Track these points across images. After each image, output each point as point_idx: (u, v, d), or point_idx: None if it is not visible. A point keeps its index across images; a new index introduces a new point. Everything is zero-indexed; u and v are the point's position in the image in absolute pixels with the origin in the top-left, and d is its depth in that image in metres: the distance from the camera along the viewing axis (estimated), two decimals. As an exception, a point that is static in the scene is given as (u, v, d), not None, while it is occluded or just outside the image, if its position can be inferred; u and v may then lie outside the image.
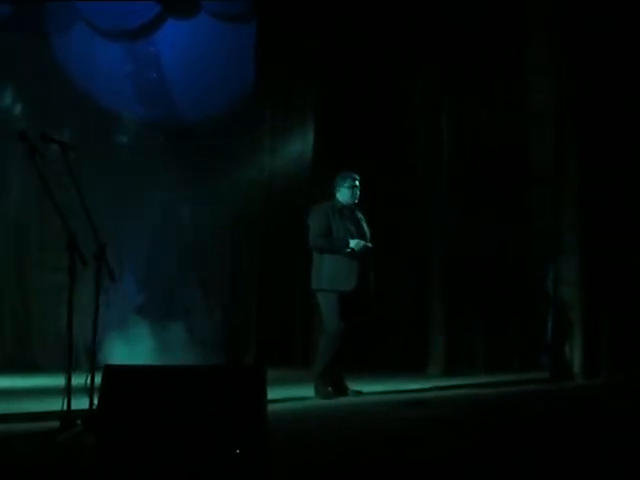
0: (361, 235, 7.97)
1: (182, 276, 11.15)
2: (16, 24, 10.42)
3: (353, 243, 7.80)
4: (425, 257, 10.57)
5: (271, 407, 4.89)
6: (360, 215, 8.11)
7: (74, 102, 10.70)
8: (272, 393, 5.04)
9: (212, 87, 11.20)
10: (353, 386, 8.02)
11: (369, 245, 7.93)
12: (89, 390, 5.56)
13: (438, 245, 10.40)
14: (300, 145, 11.06)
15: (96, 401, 5.23)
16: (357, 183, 8.02)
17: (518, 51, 10.50)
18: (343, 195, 8.02)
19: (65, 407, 5.54)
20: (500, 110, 10.59)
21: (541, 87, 10.19)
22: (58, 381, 5.69)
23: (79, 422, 5.55)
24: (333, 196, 8.06)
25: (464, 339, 10.26)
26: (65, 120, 10.45)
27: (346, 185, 8.00)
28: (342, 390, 7.89)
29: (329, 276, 7.81)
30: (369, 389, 8.22)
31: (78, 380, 5.58)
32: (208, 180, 11.28)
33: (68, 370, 5.56)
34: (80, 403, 5.60)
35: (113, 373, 4.82)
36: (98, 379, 5.01)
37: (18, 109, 10.60)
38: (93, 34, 10.93)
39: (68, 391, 5.55)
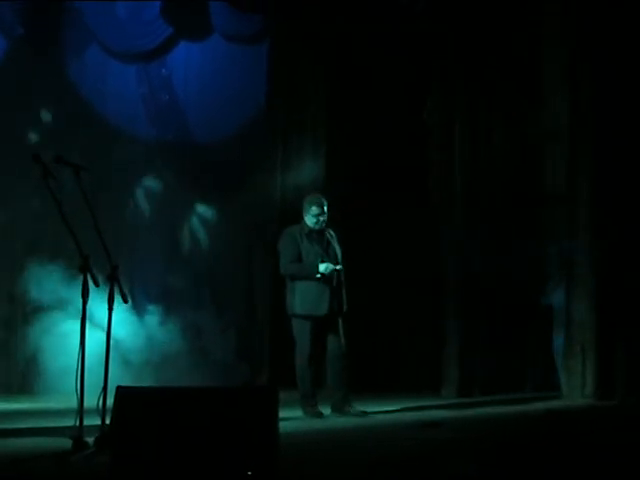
0: (331, 257, 8.00)
1: (195, 296, 11.14)
2: (30, 46, 10.47)
3: (322, 267, 7.86)
4: (439, 277, 10.54)
5: (282, 427, 4.88)
6: (330, 234, 8.15)
7: (87, 123, 10.74)
8: (284, 414, 5.03)
9: (224, 108, 11.24)
10: (368, 407, 8.04)
11: (338, 268, 7.93)
12: (101, 411, 5.56)
13: (451, 265, 10.37)
14: (313, 165, 11.06)
15: (108, 422, 5.24)
16: (324, 209, 7.98)
17: (532, 68, 10.53)
18: (309, 220, 8.04)
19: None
20: (514, 128, 10.62)
21: (555, 105, 10.20)
22: (70, 402, 5.69)
23: (91, 443, 5.55)
24: (302, 218, 8.10)
25: (478, 360, 10.22)
26: (78, 141, 10.48)
27: (311, 213, 8.00)
28: (346, 410, 7.90)
29: (302, 302, 7.91)
30: (383, 410, 8.23)
31: (91, 401, 5.59)
32: (221, 200, 11.30)
33: (80, 391, 5.56)
34: (92, 424, 5.60)
35: (125, 394, 4.83)
36: (110, 400, 5.02)
37: (32, 130, 10.62)
38: (106, 56, 10.99)
39: (80, 412, 5.56)
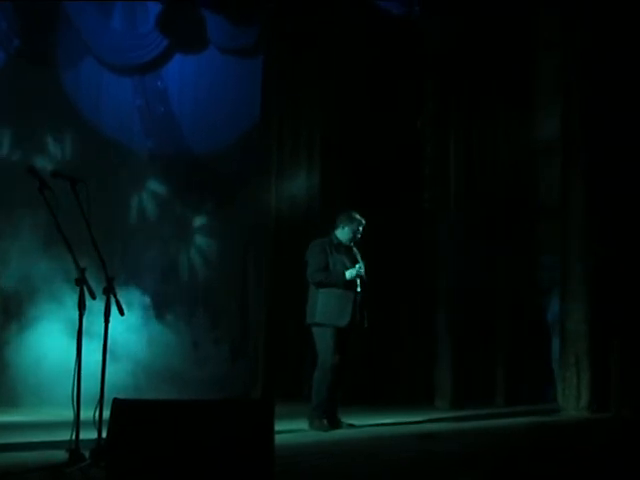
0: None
1: (189, 307, 11.14)
2: (26, 58, 10.48)
3: (348, 273, 7.88)
4: (432, 290, 10.56)
5: (278, 440, 4.89)
6: (356, 250, 8.17)
7: (83, 135, 10.76)
8: (279, 427, 5.04)
9: (220, 120, 11.29)
10: (363, 420, 8.04)
11: (361, 272, 7.94)
12: (97, 423, 5.56)
13: (445, 278, 10.39)
14: (308, 176, 11.08)
15: (104, 434, 5.23)
16: (361, 229, 8.09)
17: (526, 82, 10.59)
18: (343, 235, 8.08)
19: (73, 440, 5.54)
20: (508, 141, 10.66)
21: (549, 118, 10.26)
22: (67, 415, 5.69)
23: (87, 455, 5.54)
24: (332, 230, 8.13)
25: (471, 372, 10.23)
26: (74, 153, 10.50)
27: (351, 228, 8.07)
28: (336, 423, 7.92)
29: (324, 311, 7.89)
30: (377, 422, 8.24)
31: (87, 413, 5.58)
32: (216, 212, 11.33)
33: (77, 403, 5.56)
34: (89, 436, 5.60)
35: (121, 407, 4.83)
36: (107, 412, 5.02)
37: (27, 142, 10.62)
38: (102, 68, 11.01)
39: (77, 424, 5.55)
